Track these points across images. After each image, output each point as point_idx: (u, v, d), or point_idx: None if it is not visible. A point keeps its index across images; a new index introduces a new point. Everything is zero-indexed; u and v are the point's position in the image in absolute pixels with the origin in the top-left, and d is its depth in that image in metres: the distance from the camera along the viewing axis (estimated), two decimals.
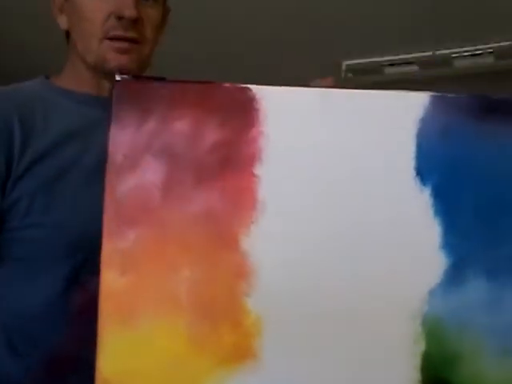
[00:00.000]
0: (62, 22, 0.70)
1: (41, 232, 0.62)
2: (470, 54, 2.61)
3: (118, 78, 0.46)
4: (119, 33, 0.65)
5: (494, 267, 0.45)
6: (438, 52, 2.65)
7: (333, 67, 3.02)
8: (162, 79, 0.48)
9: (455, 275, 0.45)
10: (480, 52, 2.59)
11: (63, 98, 0.70)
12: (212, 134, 0.46)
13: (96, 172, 0.53)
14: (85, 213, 0.61)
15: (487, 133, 0.45)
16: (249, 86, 0.46)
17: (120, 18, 0.64)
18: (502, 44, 2.52)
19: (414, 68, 2.79)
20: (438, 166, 0.45)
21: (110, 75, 0.63)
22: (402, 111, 0.46)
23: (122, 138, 0.46)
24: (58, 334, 0.60)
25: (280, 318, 0.45)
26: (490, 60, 2.63)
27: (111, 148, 0.46)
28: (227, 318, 0.45)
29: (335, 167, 0.46)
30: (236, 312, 0.45)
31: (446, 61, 2.68)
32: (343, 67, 2.89)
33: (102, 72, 0.68)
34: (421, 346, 0.44)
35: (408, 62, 2.75)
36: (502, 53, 2.56)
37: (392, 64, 2.78)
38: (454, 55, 2.63)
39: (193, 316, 0.45)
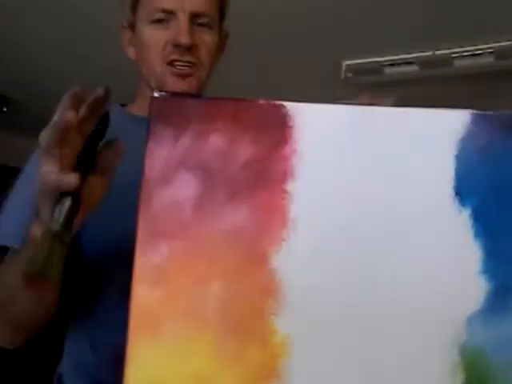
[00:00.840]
0: (131, 52, 0.80)
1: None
2: (470, 53, 2.61)
3: (155, 94, 0.47)
4: (176, 57, 0.72)
5: None
6: (437, 52, 2.65)
7: (333, 67, 3.02)
8: (197, 96, 0.50)
9: (497, 302, 0.42)
10: (480, 52, 2.59)
11: (132, 124, 0.74)
12: (245, 151, 0.46)
13: None
14: None
15: None
16: (283, 102, 0.46)
17: (176, 45, 0.71)
18: (502, 44, 2.52)
19: (414, 68, 2.78)
20: (477, 186, 0.44)
21: None
22: (441, 129, 0.45)
23: (158, 153, 0.46)
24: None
25: (308, 338, 0.43)
26: (489, 60, 2.63)
27: (147, 163, 0.46)
28: (254, 337, 0.44)
29: (370, 186, 0.45)
30: (263, 331, 0.44)
31: (446, 61, 2.68)
32: (343, 67, 2.88)
33: None
34: (459, 379, 0.42)
35: (408, 62, 2.75)
36: (502, 53, 2.56)
37: (392, 64, 2.78)
38: (453, 55, 2.63)
39: (220, 332, 0.44)
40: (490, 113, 0.45)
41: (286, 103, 0.45)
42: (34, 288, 0.42)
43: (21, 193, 0.71)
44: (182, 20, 0.71)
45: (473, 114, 0.45)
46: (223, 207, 0.45)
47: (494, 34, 2.48)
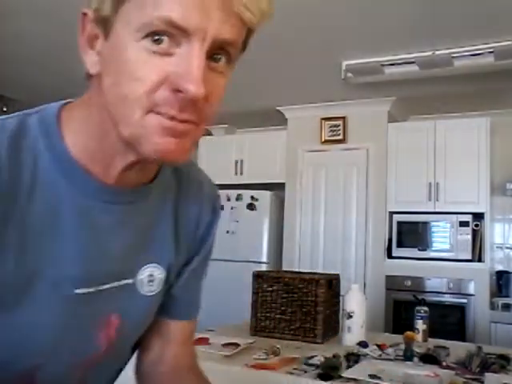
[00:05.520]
0: (91, 61, 0.50)
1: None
2: (470, 53, 2.61)
3: None
4: (172, 113, 0.46)
5: None
6: (437, 52, 2.65)
7: (333, 67, 3.02)
8: None
9: None
10: (480, 52, 2.59)
11: (68, 194, 0.51)
12: None
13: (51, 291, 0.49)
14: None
15: None
16: None
17: (178, 91, 0.45)
18: (502, 44, 2.52)
19: (414, 68, 2.78)
20: None
21: (143, 162, 0.50)
22: None
23: None
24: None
25: None
26: (490, 60, 2.63)
27: None
28: None
29: None
30: None
31: (446, 61, 2.68)
32: (343, 67, 2.88)
33: (135, 153, 0.49)
34: None
35: (408, 62, 2.75)
36: (502, 53, 2.56)
37: (392, 64, 2.78)
38: (454, 55, 2.63)
39: None
40: None
41: None
42: None
43: None
44: (197, 52, 0.45)
45: None
46: None
47: (494, 34, 2.49)
